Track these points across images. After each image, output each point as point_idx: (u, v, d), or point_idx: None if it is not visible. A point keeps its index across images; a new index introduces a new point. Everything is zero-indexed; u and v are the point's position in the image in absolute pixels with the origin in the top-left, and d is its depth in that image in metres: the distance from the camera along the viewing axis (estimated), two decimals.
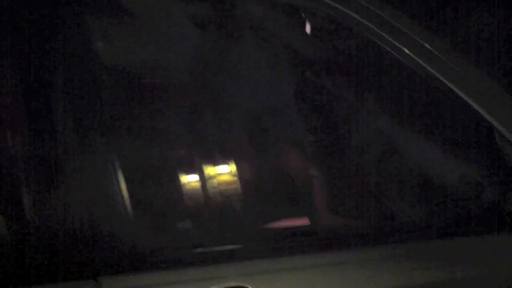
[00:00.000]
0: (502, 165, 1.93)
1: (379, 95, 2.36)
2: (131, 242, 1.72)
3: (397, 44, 1.93)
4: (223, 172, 2.12)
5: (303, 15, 2.58)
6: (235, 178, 2.12)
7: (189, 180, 2.12)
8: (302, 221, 2.17)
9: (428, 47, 1.93)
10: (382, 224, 2.08)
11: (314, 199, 2.27)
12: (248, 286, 1.68)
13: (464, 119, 1.98)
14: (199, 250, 1.78)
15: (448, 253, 1.87)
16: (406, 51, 1.92)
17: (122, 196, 1.73)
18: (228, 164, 2.14)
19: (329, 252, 1.81)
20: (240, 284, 1.68)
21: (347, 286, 1.76)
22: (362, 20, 1.94)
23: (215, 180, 2.11)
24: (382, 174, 2.27)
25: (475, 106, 1.91)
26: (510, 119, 1.92)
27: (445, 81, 1.91)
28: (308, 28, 2.59)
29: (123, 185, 1.73)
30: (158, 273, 1.69)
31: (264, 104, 2.35)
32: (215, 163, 2.15)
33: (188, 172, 2.13)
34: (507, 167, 1.92)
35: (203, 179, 2.11)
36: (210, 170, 2.12)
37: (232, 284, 1.68)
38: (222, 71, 2.32)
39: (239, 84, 2.32)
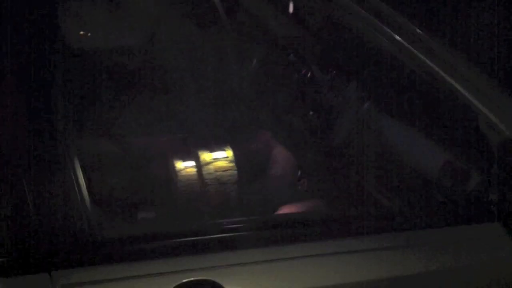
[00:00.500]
0: (487, 153, 1.91)
1: (364, 84, 2.32)
2: (88, 233, 1.63)
3: (385, 27, 1.91)
4: (189, 160, 2.07)
5: None
6: (202, 167, 2.07)
7: (151, 168, 2.07)
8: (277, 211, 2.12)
9: (414, 33, 1.92)
10: (369, 214, 2.01)
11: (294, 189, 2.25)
12: (214, 280, 1.61)
13: (463, 114, 1.94)
14: (162, 241, 1.70)
15: (434, 243, 1.83)
16: (393, 35, 1.91)
17: (78, 186, 1.65)
18: (195, 153, 2.10)
19: (304, 244, 1.74)
20: (205, 278, 1.61)
21: (320, 278, 1.70)
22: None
23: (180, 169, 2.06)
24: (371, 165, 2.25)
25: (461, 90, 1.89)
26: (495, 104, 1.90)
27: (435, 67, 1.89)
28: (291, 8, 2.59)
29: (79, 174, 1.66)
30: (117, 266, 1.60)
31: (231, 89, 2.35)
32: (180, 151, 2.10)
33: (150, 160, 2.10)
34: (491, 154, 1.90)
35: (167, 167, 2.07)
36: (175, 158, 2.07)
37: (197, 278, 1.60)
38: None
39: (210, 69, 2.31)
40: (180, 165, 2.04)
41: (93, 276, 1.58)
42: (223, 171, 2.05)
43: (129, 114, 2.15)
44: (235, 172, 2.06)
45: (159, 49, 2.28)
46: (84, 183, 1.65)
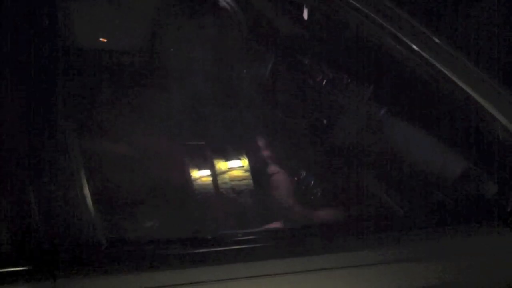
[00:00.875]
0: (504, 159, 1.90)
1: (375, 87, 2.29)
2: (95, 240, 1.61)
3: (396, 32, 1.89)
4: (205, 169, 2.04)
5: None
6: (217, 176, 2.04)
7: (165, 175, 2.03)
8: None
9: (426, 35, 1.90)
10: (381, 223, 1.99)
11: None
12: None
13: (462, 109, 1.94)
14: (173, 251, 1.67)
15: (447, 251, 1.83)
16: (404, 39, 1.89)
17: (85, 190, 1.62)
18: (211, 161, 2.07)
19: (320, 256, 1.72)
20: None
21: None
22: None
23: (195, 177, 2.03)
24: (379, 168, 2.22)
25: (476, 98, 1.88)
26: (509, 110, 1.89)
27: (443, 69, 1.88)
28: (305, 14, 2.57)
29: (83, 177, 1.64)
30: (124, 276, 1.57)
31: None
32: (195, 158, 2.06)
33: (164, 167, 2.06)
34: (508, 160, 1.90)
35: (181, 175, 2.03)
36: (190, 166, 2.04)
37: None
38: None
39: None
40: (195, 173, 2.01)
41: (99, 284, 1.56)
42: (239, 180, 2.03)
43: (140, 117, 2.11)
44: (251, 181, 2.04)
45: (167, 50, 2.24)
46: (92, 189, 1.63)
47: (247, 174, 2.06)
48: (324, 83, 2.41)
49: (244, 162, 2.08)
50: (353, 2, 1.88)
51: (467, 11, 3.10)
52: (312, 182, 2.23)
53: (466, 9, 3.11)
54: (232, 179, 2.06)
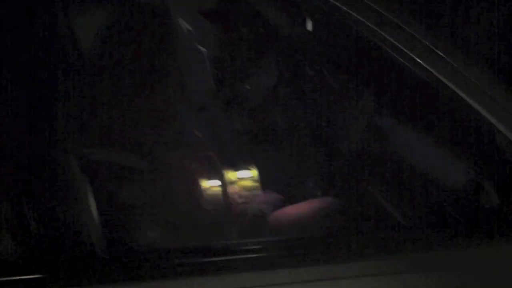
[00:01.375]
0: (503, 166, 1.90)
1: (376, 91, 2.32)
2: (93, 252, 1.61)
3: (396, 42, 1.88)
4: (214, 179, 2.04)
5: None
6: (226, 186, 2.05)
7: (162, 180, 2.02)
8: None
9: (428, 45, 1.89)
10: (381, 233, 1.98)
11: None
12: None
13: (464, 118, 1.93)
14: (180, 260, 1.67)
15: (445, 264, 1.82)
16: (405, 49, 1.88)
17: (86, 198, 1.63)
18: (220, 171, 2.07)
19: (330, 265, 1.73)
20: None
21: None
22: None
23: (205, 188, 2.02)
24: (380, 175, 2.25)
25: (474, 105, 1.87)
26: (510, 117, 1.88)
27: (444, 80, 1.87)
28: (310, 26, 2.58)
29: (85, 185, 1.63)
30: (128, 285, 1.57)
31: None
32: (204, 168, 2.06)
33: (173, 176, 2.04)
34: (508, 167, 1.90)
35: (190, 185, 2.03)
36: (199, 176, 2.03)
37: None
38: None
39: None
40: (202, 182, 2.00)
41: None
42: (249, 190, 2.04)
43: (143, 124, 2.08)
44: (259, 191, 2.04)
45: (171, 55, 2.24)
46: (91, 200, 1.63)
47: (257, 184, 2.06)
48: (325, 87, 2.43)
49: (253, 172, 2.08)
50: (351, 12, 1.88)
51: (467, 11, 3.12)
52: (313, 188, 2.26)
53: (466, 9, 3.13)
54: (241, 188, 2.07)
